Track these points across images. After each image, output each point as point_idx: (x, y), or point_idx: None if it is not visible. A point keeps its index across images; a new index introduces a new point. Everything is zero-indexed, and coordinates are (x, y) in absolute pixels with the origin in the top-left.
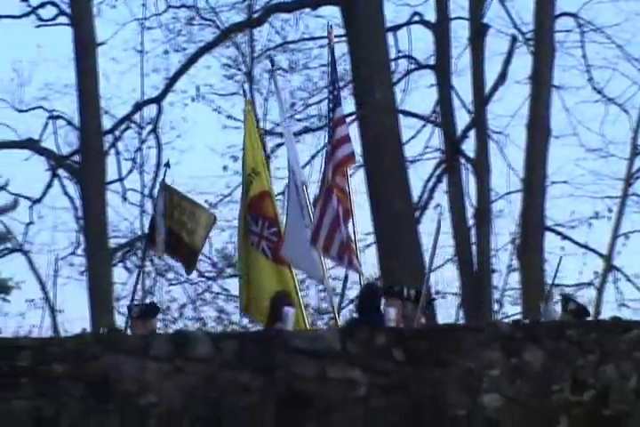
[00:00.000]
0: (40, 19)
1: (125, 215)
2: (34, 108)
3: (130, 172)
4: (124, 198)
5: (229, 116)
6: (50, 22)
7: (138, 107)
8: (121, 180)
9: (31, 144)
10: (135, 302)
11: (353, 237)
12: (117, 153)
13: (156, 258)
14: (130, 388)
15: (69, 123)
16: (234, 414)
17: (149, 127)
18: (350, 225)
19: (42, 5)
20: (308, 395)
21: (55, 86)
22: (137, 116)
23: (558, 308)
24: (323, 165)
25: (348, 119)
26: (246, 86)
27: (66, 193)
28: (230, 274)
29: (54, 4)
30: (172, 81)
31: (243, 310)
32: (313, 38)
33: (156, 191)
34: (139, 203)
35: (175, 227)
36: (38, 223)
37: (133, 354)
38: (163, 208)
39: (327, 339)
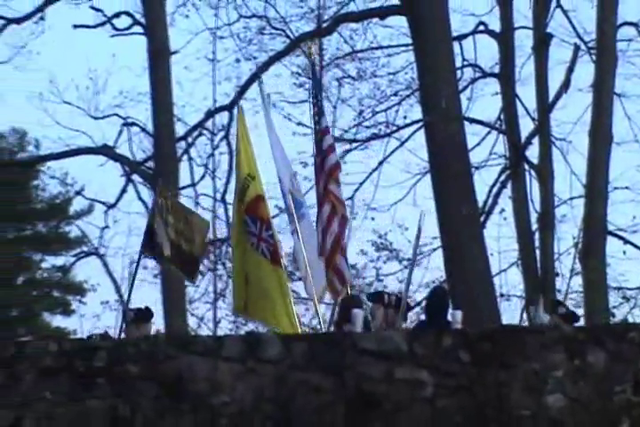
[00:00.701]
0: (115, 28)
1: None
2: (109, 116)
3: (202, 177)
4: (197, 203)
5: (299, 123)
6: (124, 32)
7: (210, 114)
8: (193, 185)
9: (106, 151)
10: (130, 307)
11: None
12: (190, 159)
13: (227, 260)
14: (202, 388)
15: (143, 130)
16: (303, 414)
17: (221, 134)
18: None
19: (116, 15)
20: (376, 395)
21: (130, 94)
22: (209, 124)
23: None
24: (314, 175)
25: (416, 126)
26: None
27: (140, 198)
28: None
29: (129, 14)
30: (244, 89)
31: (236, 309)
32: (381, 47)
33: (227, 197)
34: (211, 208)
35: (173, 235)
36: (113, 227)
37: (206, 355)
38: (157, 211)
39: (395, 340)
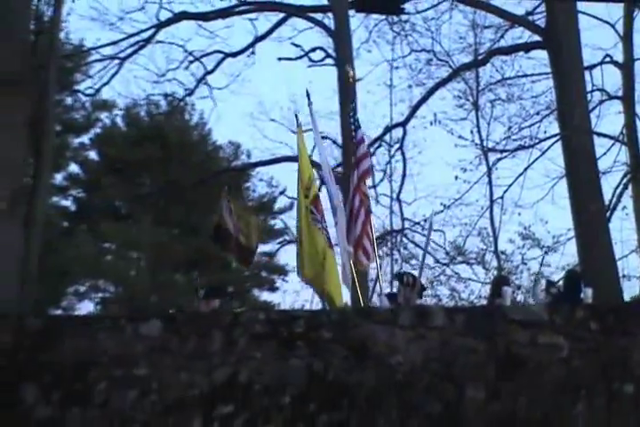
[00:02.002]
0: (311, 60)
1: (378, 215)
2: (306, 131)
3: (381, 180)
4: (377, 201)
5: (460, 137)
6: (319, 63)
7: (387, 129)
8: (374, 187)
9: None
10: (202, 286)
11: (371, 234)
12: (372, 166)
13: (401, 248)
14: (382, 350)
15: (334, 142)
16: (463, 371)
17: (397, 146)
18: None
19: (312, 50)
20: (522, 357)
21: (322, 113)
22: (387, 137)
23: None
24: (350, 175)
25: (554, 139)
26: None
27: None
28: (460, 261)
29: (322, 49)
30: (415, 109)
31: (305, 275)
32: (525, 75)
33: (401, 196)
34: (388, 205)
35: (233, 230)
36: None
37: (385, 324)
38: (228, 212)
39: (538, 312)
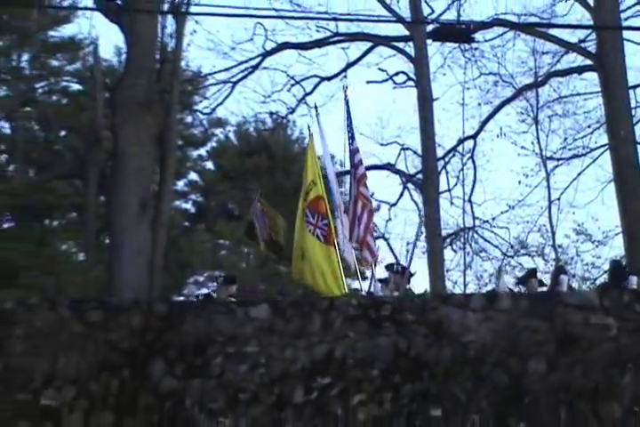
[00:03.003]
0: (395, 82)
1: (452, 214)
2: (391, 143)
3: (455, 185)
4: (452, 203)
5: (522, 147)
6: (401, 85)
7: (460, 141)
8: (449, 190)
9: (389, 167)
10: (220, 274)
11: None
12: (447, 172)
13: (472, 242)
14: (456, 330)
15: (415, 152)
16: (527, 347)
17: (468, 155)
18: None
19: (396, 74)
20: (577, 335)
21: (405, 128)
22: (460, 148)
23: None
24: (350, 181)
25: (603, 149)
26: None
27: (412, 199)
28: (523, 253)
29: (404, 73)
30: (484, 124)
31: (294, 274)
32: (579, 94)
33: (472, 199)
34: (461, 206)
35: (268, 229)
36: (394, 220)
37: (459, 307)
38: (260, 214)
39: (590, 297)
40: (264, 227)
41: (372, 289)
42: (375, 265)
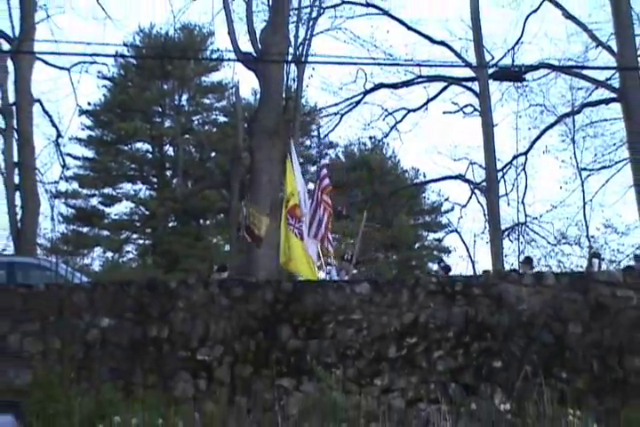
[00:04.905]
0: (464, 113)
1: (509, 213)
2: (461, 159)
3: (511, 190)
4: (508, 204)
5: (562, 161)
6: (469, 115)
7: (515, 157)
8: (507, 194)
9: (461, 177)
10: (220, 263)
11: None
12: (504, 181)
13: (525, 234)
14: (513, 301)
15: (480, 166)
16: (567, 314)
17: (521, 167)
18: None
19: (465, 106)
20: (606, 304)
21: (472, 147)
22: (515, 162)
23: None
24: (315, 190)
25: (624, 162)
26: None
27: (478, 202)
28: (564, 242)
29: (472, 106)
30: (532, 143)
31: (282, 263)
32: (606, 120)
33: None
34: (516, 206)
35: (251, 225)
36: (464, 218)
37: (514, 283)
38: (246, 213)
39: (616, 275)
40: (248, 224)
41: (331, 273)
42: (332, 255)
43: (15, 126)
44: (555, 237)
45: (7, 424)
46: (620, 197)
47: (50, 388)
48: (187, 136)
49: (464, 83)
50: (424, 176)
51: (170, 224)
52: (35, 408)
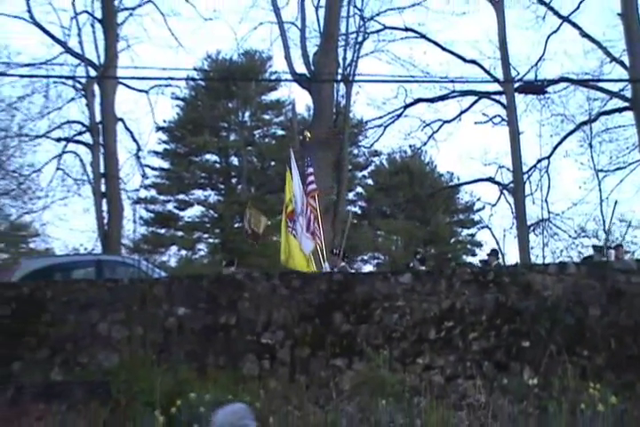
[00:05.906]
0: (493, 123)
1: (534, 210)
2: (491, 163)
3: (535, 190)
4: (533, 202)
5: (581, 163)
6: (498, 124)
7: (538, 161)
8: (532, 194)
9: (490, 179)
10: (229, 259)
11: (319, 229)
12: (530, 182)
13: (548, 229)
14: (539, 287)
15: (508, 169)
16: (587, 298)
17: (544, 170)
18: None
19: (494, 117)
20: (621, 290)
21: (501, 152)
22: (539, 165)
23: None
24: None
25: (637, 164)
26: None
27: (507, 201)
28: (583, 235)
29: (500, 116)
30: (555, 148)
31: (282, 260)
32: (620, 126)
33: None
34: (540, 204)
35: (253, 226)
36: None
37: (540, 272)
38: (248, 215)
39: (631, 264)
40: (249, 224)
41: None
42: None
43: (101, 142)
44: (575, 231)
45: (241, 410)
46: (633, 194)
47: (134, 369)
48: (249, 148)
49: (493, 96)
50: (458, 179)
51: (235, 225)
52: (121, 387)
